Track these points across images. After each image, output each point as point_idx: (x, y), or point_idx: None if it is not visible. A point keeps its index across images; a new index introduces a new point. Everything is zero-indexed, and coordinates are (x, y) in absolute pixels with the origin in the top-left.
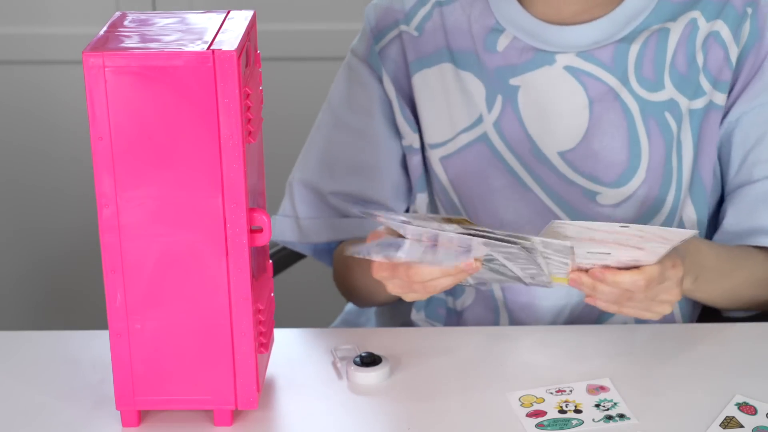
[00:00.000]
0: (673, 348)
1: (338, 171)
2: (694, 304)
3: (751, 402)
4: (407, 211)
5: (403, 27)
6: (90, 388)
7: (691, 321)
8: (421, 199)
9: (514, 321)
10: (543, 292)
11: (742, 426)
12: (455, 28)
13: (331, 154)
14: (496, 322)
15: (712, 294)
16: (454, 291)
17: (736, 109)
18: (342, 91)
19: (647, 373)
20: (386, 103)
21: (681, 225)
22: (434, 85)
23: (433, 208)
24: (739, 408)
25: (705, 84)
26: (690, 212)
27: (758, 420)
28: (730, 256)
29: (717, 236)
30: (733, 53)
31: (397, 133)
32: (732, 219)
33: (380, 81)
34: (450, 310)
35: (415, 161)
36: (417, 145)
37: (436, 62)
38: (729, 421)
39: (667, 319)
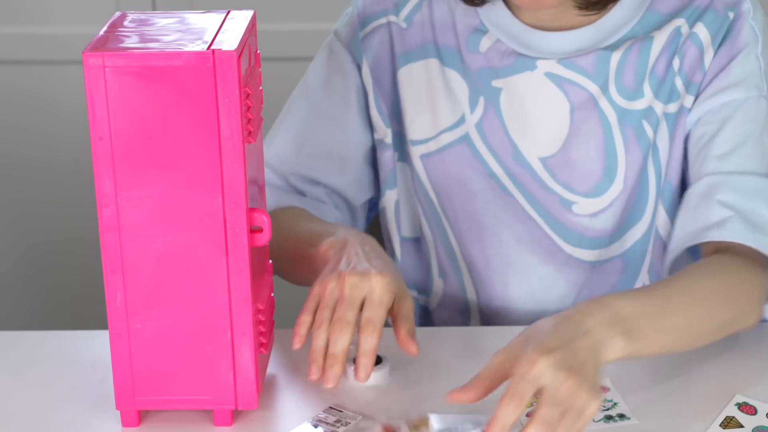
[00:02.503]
0: None
1: (304, 153)
2: None
3: (751, 402)
4: (372, 205)
5: (392, 17)
6: (90, 388)
7: None
8: (390, 196)
9: (486, 325)
10: (518, 297)
11: (742, 426)
12: (442, 23)
13: (301, 136)
14: (465, 325)
15: (666, 339)
16: (426, 288)
17: (696, 108)
18: (320, 73)
19: (647, 373)
20: (362, 92)
21: (656, 231)
22: (419, 81)
23: (404, 206)
24: (739, 408)
25: (680, 86)
26: (662, 215)
27: (758, 420)
28: (658, 292)
29: (671, 244)
30: (708, 56)
31: (369, 125)
32: (680, 221)
33: (359, 69)
34: (422, 308)
35: (385, 156)
36: (389, 140)
37: (423, 57)
38: (729, 421)
39: None
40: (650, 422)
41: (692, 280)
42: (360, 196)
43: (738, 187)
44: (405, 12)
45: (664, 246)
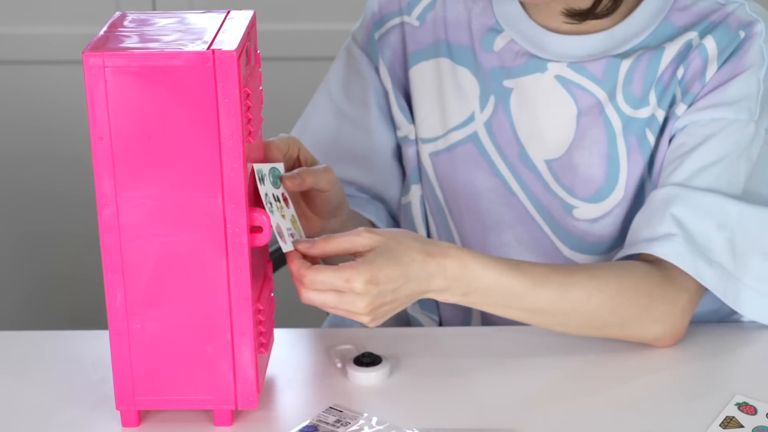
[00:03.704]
0: (673, 348)
1: (331, 156)
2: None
3: (751, 402)
4: (400, 201)
5: (405, 18)
6: (90, 388)
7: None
8: (415, 190)
9: (486, 321)
10: None
11: (742, 426)
12: (456, 22)
13: (325, 139)
14: (467, 319)
15: (512, 314)
16: None
17: (685, 117)
18: (339, 75)
19: (647, 373)
20: (381, 93)
21: None
22: (429, 80)
23: (425, 201)
24: (739, 408)
25: (678, 94)
26: None
27: (758, 420)
28: (536, 272)
29: (625, 244)
30: (711, 69)
31: (391, 124)
32: (635, 224)
33: (377, 71)
34: (432, 300)
35: (410, 152)
36: (413, 136)
37: (434, 55)
38: (729, 421)
39: None
40: (650, 422)
41: (579, 277)
42: (392, 192)
43: (696, 204)
44: (417, 11)
45: None
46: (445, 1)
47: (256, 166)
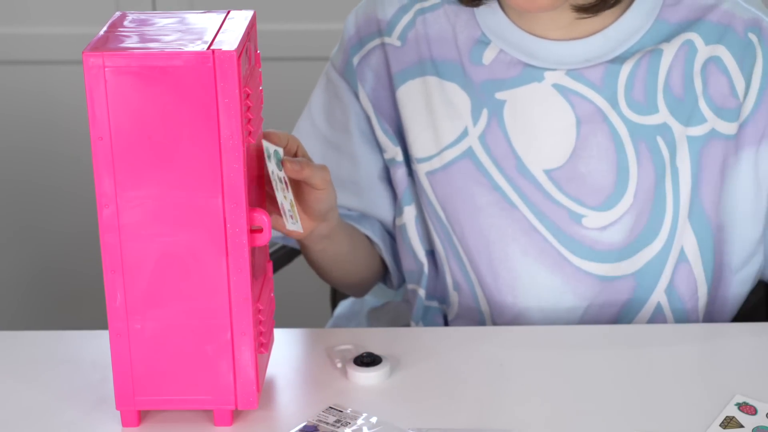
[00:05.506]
0: (674, 348)
1: None
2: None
3: (751, 402)
4: (393, 222)
5: (386, 39)
6: (90, 387)
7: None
8: (409, 211)
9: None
10: (528, 309)
11: (742, 426)
12: (439, 37)
13: None
14: None
15: None
16: (446, 299)
17: (765, 142)
18: (320, 101)
19: (647, 373)
20: (363, 117)
21: (682, 253)
22: (417, 99)
23: (421, 220)
24: (739, 408)
25: (706, 111)
26: (691, 240)
27: (758, 420)
28: None
29: None
30: (739, 82)
31: (377, 147)
32: None
33: (356, 96)
34: (444, 318)
35: (399, 174)
36: (400, 158)
37: (420, 74)
38: (729, 421)
39: (660, 319)
40: (650, 422)
41: None
42: (383, 213)
43: None
44: (398, 30)
45: (690, 270)
46: (425, 18)
47: (265, 143)
